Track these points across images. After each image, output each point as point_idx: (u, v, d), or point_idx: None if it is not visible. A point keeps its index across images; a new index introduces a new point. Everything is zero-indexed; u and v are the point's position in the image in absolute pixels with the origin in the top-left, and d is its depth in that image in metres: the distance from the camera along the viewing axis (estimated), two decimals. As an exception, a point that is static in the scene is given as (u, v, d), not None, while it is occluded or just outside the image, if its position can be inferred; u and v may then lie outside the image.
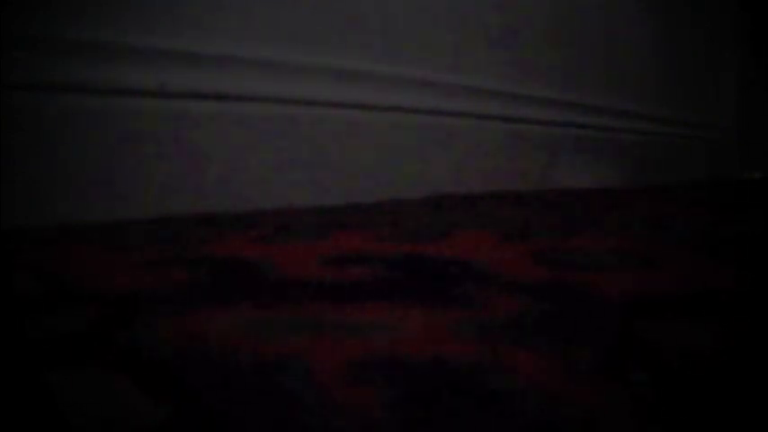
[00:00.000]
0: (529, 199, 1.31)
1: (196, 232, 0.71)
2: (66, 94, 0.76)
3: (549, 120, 1.66)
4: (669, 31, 2.44)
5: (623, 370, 0.30)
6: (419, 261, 0.57)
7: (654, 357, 0.32)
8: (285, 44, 1.01)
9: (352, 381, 0.28)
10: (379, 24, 1.18)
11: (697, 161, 2.71)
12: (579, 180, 1.80)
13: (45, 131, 0.74)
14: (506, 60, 1.52)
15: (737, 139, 3.22)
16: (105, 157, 0.79)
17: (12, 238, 0.65)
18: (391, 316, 0.38)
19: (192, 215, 0.86)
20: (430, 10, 1.28)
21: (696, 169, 2.69)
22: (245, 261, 0.55)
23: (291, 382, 0.28)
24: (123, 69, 0.81)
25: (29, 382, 0.28)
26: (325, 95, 1.07)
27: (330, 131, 1.07)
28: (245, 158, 0.94)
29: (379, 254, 0.60)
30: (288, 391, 0.27)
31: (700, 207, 1.23)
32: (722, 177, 2.96)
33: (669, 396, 0.27)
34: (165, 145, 0.85)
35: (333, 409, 0.25)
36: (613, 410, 0.25)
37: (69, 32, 0.77)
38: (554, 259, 0.59)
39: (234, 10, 0.94)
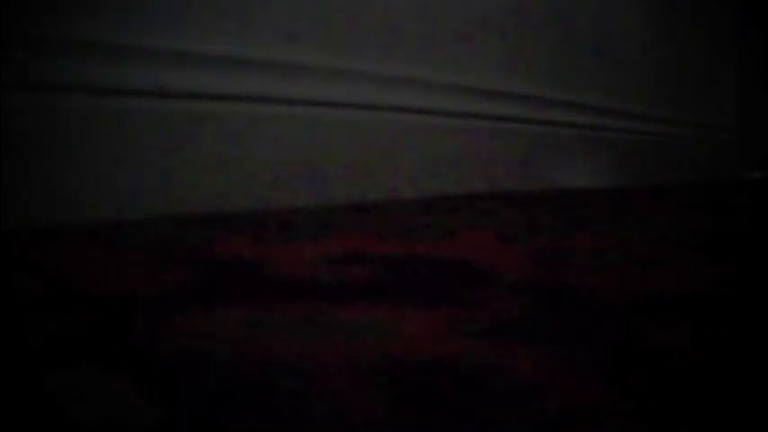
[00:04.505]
0: (529, 199, 1.31)
1: (196, 232, 0.71)
2: (66, 94, 0.76)
3: (549, 120, 1.66)
4: (669, 31, 2.44)
5: (623, 370, 0.30)
6: (419, 261, 0.57)
7: (653, 358, 0.32)
8: (285, 44, 1.01)
9: (351, 381, 0.28)
10: (380, 25, 1.18)
11: (697, 161, 2.71)
12: (579, 180, 1.80)
13: (45, 131, 0.74)
14: (506, 60, 1.52)
15: (738, 140, 3.21)
16: (105, 157, 0.79)
17: (12, 238, 0.65)
18: (391, 316, 0.38)
19: (192, 215, 0.86)
20: (431, 10, 1.28)
21: (696, 169, 2.69)
22: (244, 261, 0.55)
23: (291, 382, 0.28)
24: (123, 69, 0.81)
25: (29, 381, 0.28)
26: (325, 95, 1.07)
27: (330, 131, 1.07)
28: (245, 158, 0.94)
29: (379, 254, 0.60)
30: (288, 391, 0.27)
31: (700, 207, 1.23)
32: (722, 177, 2.96)
33: (669, 396, 0.27)
34: (164, 145, 0.85)
35: (332, 408, 0.25)
36: (613, 410, 0.25)
37: (69, 32, 0.77)
38: (554, 259, 0.59)
39: (234, 10, 0.94)
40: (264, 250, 0.60)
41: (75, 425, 0.24)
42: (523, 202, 1.23)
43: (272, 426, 0.24)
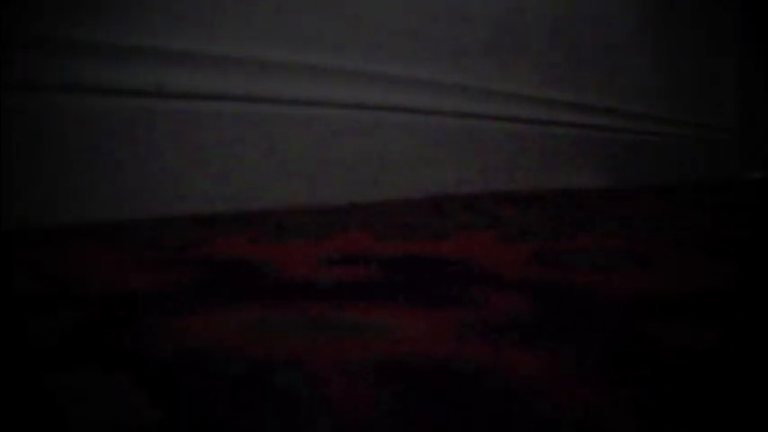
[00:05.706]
0: (529, 199, 1.31)
1: (196, 232, 0.71)
2: (66, 94, 0.76)
3: (549, 120, 1.66)
4: (669, 31, 2.44)
5: (623, 370, 0.30)
6: (419, 261, 0.57)
7: (654, 358, 0.32)
8: (285, 44, 1.01)
9: (351, 381, 0.28)
10: (381, 26, 1.17)
11: (697, 161, 2.71)
12: (579, 180, 1.80)
13: (45, 131, 0.74)
14: (506, 61, 1.52)
15: (738, 140, 3.22)
16: (105, 157, 0.79)
17: (12, 238, 0.65)
18: (391, 316, 0.38)
19: (192, 215, 0.86)
20: (433, 12, 1.28)
21: (696, 169, 2.69)
22: (245, 261, 0.55)
23: (291, 382, 0.28)
24: (123, 69, 0.81)
25: (29, 382, 0.28)
26: (325, 95, 1.07)
27: (330, 131, 1.07)
28: (244, 158, 0.94)
29: (379, 254, 0.60)
30: (288, 391, 0.27)
31: (700, 207, 1.23)
32: (722, 177, 2.96)
33: (669, 396, 0.27)
34: (164, 145, 0.85)
35: (332, 409, 0.25)
36: (613, 410, 0.25)
37: (69, 32, 0.77)
38: (554, 259, 0.59)
39: (234, 10, 0.94)
40: (264, 250, 0.60)
41: (75, 425, 0.24)
42: (524, 202, 1.23)
43: (273, 426, 0.24)
